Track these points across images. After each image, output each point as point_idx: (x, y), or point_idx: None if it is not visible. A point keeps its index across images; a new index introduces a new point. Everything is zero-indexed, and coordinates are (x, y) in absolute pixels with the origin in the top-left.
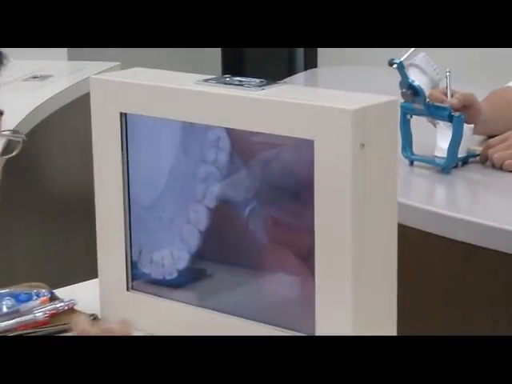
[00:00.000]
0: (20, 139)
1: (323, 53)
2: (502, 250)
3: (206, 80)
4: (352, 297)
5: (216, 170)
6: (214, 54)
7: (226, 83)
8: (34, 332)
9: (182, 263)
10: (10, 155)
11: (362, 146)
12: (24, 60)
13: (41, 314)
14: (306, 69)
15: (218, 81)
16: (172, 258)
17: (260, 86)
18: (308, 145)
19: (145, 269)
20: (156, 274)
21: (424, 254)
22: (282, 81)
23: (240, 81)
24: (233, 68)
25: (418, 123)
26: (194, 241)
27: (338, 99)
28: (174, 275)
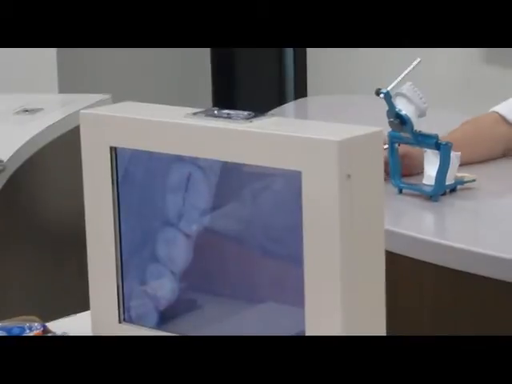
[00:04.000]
0: (1, 167)
1: (313, 82)
2: (491, 276)
3: (195, 113)
4: (341, 326)
5: (205, 201)
6: (205, 83)
7: (214, 116)
8: None
9: (173, 295)
10: None
11: (349, 176)
12: (14, 93)
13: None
14: (295, 98)
15: (206, 114)
16: (163, 289)
17: (248, 119)
18: (296, 176)
19: (136, 301)
20: (147, 305)
21: (412, 281)
22: (270, 112)
23: (228, 114)
24: (223, 97)
25: None
26: (184, 273)
27: (324, 130)
28: (166, 307)
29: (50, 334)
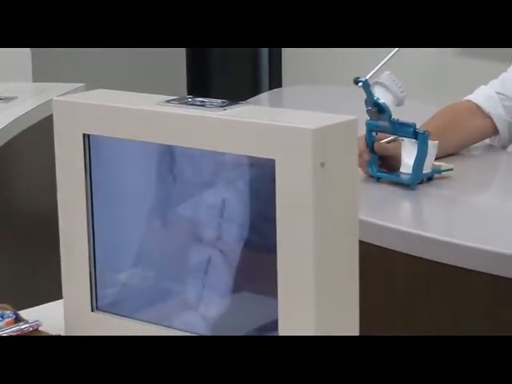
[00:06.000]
0: None
1: (288, 73)
2: (465, 266)
3: (169, 101)
4: (315, 315)
5: (180, 190)
6: (180, 75)
7: (188, 104)
8: None
9: (147, 283)
10: None
11: (323, 165)
12: None
13: (6, 335)
14: (270, 88)
15: (180, 101)
16: (137, 277)
17: (222, 107)
18: (269, 164)
19: (109, 289)
20: (121, 294)
21: (386, 271)
22: (245, 101)
23: (202, 101)
24: (198, 89)
25: None
26: (158, 261)
27: (298, 119)
28: (139, 295)
29: (22, 322)
